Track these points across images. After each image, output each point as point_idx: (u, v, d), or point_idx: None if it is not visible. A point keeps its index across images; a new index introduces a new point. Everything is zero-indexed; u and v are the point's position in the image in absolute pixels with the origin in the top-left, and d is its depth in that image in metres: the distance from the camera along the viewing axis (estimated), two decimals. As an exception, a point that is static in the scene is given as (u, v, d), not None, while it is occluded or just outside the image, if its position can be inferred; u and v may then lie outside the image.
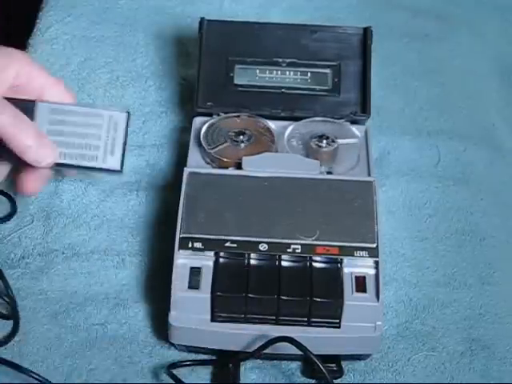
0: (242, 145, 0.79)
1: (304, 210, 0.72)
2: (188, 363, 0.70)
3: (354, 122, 0.83)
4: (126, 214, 0.81)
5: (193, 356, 0.71)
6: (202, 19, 0.86)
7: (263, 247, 0.70)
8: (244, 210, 0.72)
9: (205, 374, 0.70)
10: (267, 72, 0.86)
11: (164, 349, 0.71)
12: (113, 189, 0.84)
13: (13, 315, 0.72)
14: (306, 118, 0.82)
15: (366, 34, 0.85)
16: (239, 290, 0.68)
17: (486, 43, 1.07)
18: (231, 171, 0.77)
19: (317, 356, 0.64)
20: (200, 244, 0.70)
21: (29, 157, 0.63)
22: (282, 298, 0.67)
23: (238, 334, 0.68)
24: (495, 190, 0.86)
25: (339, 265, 0.70)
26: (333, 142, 0.80)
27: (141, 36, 1.00)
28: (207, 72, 0.85)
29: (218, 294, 0.68)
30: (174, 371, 0.68)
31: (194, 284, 0.69)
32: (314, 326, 0.68)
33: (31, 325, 0.72)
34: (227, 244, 0.70)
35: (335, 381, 0.67)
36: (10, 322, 0.71)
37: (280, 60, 0.86)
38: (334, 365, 0.68)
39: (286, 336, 0.65)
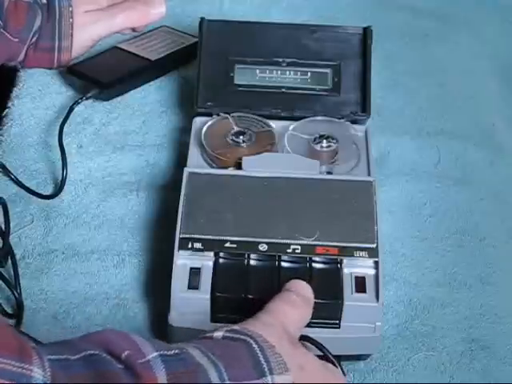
0: (242, 145, 0.79)
1: (304, 210, 0.72)
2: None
3: (354, 122, 0.83)
4: (126, 214, 0.81)
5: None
6: (202, 19, 0.86)
7: (263, 247, 0.70)
8: (244, 210, 0.72)
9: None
10: (267, 72, 0.86)
11: (164, 349, 0.71)
12: (113, 189, 0.84)
13: (17, 314, 0.72)
14: (306, 117, 0.82)
15: (366, 33, 0.85)
16: (239, 290, 0.68)
17: (485, 43, 1.08)
18: (231, 171, 0.76)
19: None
20: (200, 244, 0.70)
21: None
22: (282, 298, 0.67)
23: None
24: (495, 190, 0.86)
25: (339, 265, 0.69)
26: (333, 141, 0.80)
27: (141, 36, 1.01)
28: (207, 72, 0.85)
29: (218, 294, 0.68)
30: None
31: (193, 284, 0.69)
32: (314, 326, 0.67)
33: (31, 325, 0.72)
34: (227, 244, 0.70)
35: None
36: (12, 322, 0.72)
37: (280, 60, 0.86)
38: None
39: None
